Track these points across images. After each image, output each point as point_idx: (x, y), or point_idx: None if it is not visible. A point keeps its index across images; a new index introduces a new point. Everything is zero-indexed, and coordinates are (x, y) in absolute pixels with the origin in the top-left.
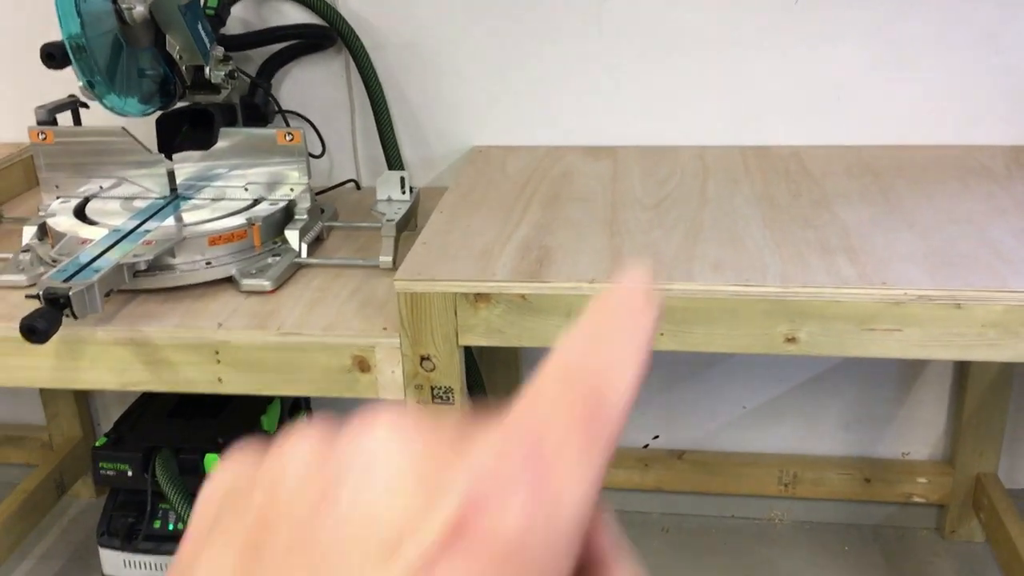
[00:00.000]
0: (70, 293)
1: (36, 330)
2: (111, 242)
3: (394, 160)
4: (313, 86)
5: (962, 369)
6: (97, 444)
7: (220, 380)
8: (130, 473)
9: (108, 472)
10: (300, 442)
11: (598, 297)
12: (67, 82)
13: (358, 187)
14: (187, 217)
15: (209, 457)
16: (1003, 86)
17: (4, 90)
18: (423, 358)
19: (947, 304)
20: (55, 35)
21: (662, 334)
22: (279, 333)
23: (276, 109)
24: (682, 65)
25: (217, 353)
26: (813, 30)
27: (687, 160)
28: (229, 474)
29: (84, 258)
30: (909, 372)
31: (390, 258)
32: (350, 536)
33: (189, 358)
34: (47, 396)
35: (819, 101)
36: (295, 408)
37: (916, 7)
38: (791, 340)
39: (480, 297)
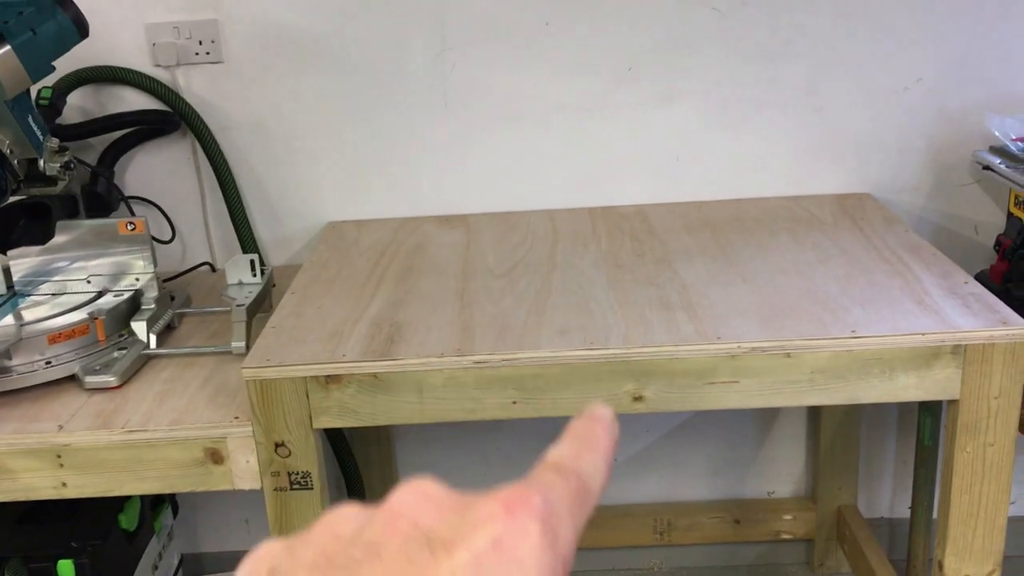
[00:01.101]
0: None
1: None
2: None
3: (247, 241)
4: (160, 170)
5: (814, 408)
6: None
7: (64, 484)
8: None
9: None
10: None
11: (576, 422)
12: None
13: (213, 269)
14: (25, 315)
15: (62, 564)
16: (824, 138)
17: None
18: (278, 444)
19: (778, 354)
20: None
21: (514, 403)
22: (124, 431)
23: (120, 197)
24: (527, 131)
25: (59, 457)
26: (650, 94)
27: (538, 224)
28: (266, 552)
29: None
30: (767, 414)
31: (243, 343)
32: None
33: (29, 464)
34: None
35: (660, 160)
36: (157, 501)
37: (741, 70)
38: (638, 399)
39: (331, 379)
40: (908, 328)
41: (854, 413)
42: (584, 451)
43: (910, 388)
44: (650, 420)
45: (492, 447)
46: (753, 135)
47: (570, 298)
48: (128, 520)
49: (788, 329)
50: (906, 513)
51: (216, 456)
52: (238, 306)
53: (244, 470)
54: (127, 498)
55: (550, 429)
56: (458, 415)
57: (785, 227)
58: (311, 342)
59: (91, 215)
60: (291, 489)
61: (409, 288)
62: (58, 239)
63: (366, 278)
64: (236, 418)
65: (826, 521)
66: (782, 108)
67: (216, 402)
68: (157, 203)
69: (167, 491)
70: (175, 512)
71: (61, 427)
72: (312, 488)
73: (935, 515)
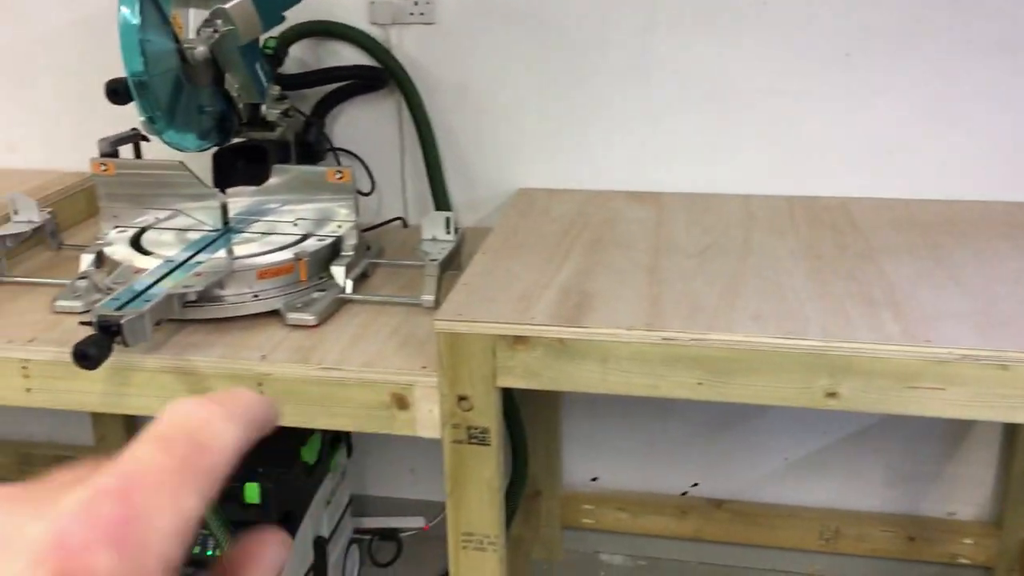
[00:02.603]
0: (122, 321)
1: (87, 356)
2: (163, 272)
3: (441, 200)
4: (365, 125)
5: (1012, 429)
6: None
7: None
8: None
9: None
10: None
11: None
12: (130, 116)
13: (405, 225)
14: (237, 250)
15: (249, 486)
16: None
17: (68, 122)
18: (460, 398)
19: (993, 365)
20: (119, 71)
21: (700, 384)
22: (320, 367)
23: (328, 147)
24: (731, 113)
25: (260, 384)
26: (865, 82)
27: (733, 208)
28: None
29: (137, 287)
30: (957, 429)
31: (432, 297)
32: None
33: (232, 388)
34: (96, 417)
35: (869, 153)
36: (335, 441)
37: (967, 62)
38: (832, 395)
39: (519, 340)
40: None
41: None
42: (210, 406)
43: None
44: (827, 422)
45: (658, 428)
46: (974, 133)
47: (765, 284)
48: (309, 454)
49: (1006, 339)
50: None
51: (401, 402)
52: (431, 260)
53: (426, 419)
54: (309, 433)
55: (719, 416)
56: (639, 390)
57: (1002, 233)
58: (501, 302)
59: (301, 162)
60: (468, 443)
61: (598, 259)
62: (271, 182)
63: (555, 246)
64: (423, 367)
65: (1010, 550)
66: (1010, 105)
67: (405, 350)
68: (360, 156)
69: (354, 429)
70: (349, 453)
71: (264, 357)
72: (489, 445)
73: None
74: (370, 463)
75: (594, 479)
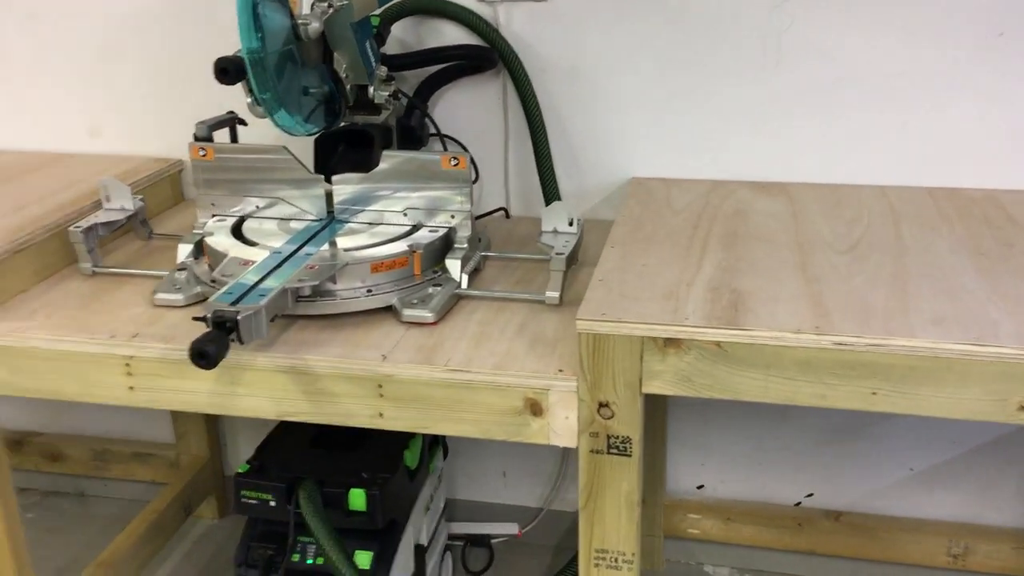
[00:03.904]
0: (238, 317)
1: (206, 355)
2: (273, 265)
3: (551, 189)
4: (468, 109)
5: None
6: (240, 471)
7: (381, 415)
8: (273, 503)
9: (250, 500)
10: None
11: None
12: (215, 100)
13: (507, 215)
14: (345, 242)
15: (354, 492)
16: None
17: (152, 107)
18: (601, 404)
19: None
20: (204, 54)
21: (874, 394)
22: (447, 369)
23: (431, 132)
24: (866, 98)
25: (380, 387)
26: (1017, 66)
27: (870, 200)
28: None
29: (248, 280)
30: None
31: (557, 294)
32: None
33: (351, 390)
34: (176, 415)
35: (1020, 142)
36: (433, 443)
37: None
38: None
39: (670, 342)
40: None
41: None
42: None
43: None
44: (957, 431)
45: (772, 433)
46: None
47: (935, 284)
48: (412, 458)
49: None
50: None
51: (536, 408)
52: (557, 255)
53: (562, 426)
54: (411, 436)
55: (838, 422)
56: (806, 399)
57: None
58: (645, 300)
59: (401, 148)
60: (607, 453)
61: (740, 255)
62: (379, 168)
63: (688, 240)
64: (560, 371)
65: None
66: None
67: (535, 351)
68: (461, 142)
69: (481, 436)
70: (445, 455)
71: (385, 357)
72: (630, 456)
73: None
74: (460, 465)
75: (700, 487)
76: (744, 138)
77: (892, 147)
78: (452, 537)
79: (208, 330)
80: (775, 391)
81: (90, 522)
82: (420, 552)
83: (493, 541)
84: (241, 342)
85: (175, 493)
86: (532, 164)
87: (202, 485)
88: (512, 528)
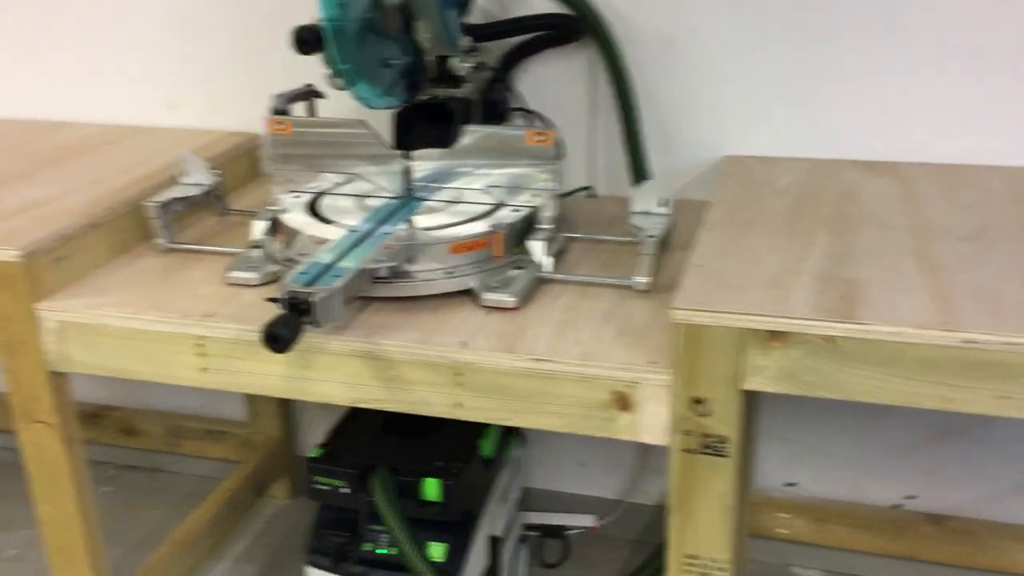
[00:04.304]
0: (314, 299)
1: (279, 339)
2: (349, 244)
3: (640, 168)
4: (552, 83)
5: None
6: (312, 455)
7: (460, 405)
8: (345, 490)
9: (322, 487)
10: None
11: None
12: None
13: (593, 195)
14: (424, 221)
15: (428, 482)
16: None
17: (230, 79)
18: (696, 400)
19: None
20: (268, 26)
21: (1007, 398)
22: (530, 358)
23: (513, 107)
24: (993, 70)
25: (459, 375)
26: None
27: (992, 182)
28: None
29: (324, 260)
30: None
31: (647, 279)
32: None
33: (428, 378)
34: (250, 394)
35: None
36: (509, 430)
37: None
38: None
39: (776, 335)
40: None
41: None
42: None
43: None
44: None
45: (872, 429)
46: None
47: None
48: (488, 446)
49: None
50: None
51: (624, 402)
52: (648, 237)
53: (652, 423)
54: (487, 424)
55: (945, 420)
56: (928, 401)
57: None
58: (748, 289)
59: (483, 123)
60: (701, 452)
61: (850, 241)
62: (461, 144)
63: (791, 224)
64: (652, 363)
65: None
66: None
67: (623, 341)
68: (545, 117)
69: (564, 430)
70: (521, 443)
71: (464, 344)
72: (727, 456)
73: None
74: (537, 454)
75: (791, 484)
76: (852, 113)
77: (1018, 123)
78: (527, 527)
79: (281, 312)
80: (892, 392)
81: (164, 497)
82: (495, 544)
83: (569, 533)
84: (316, 325)
85: (247, 472)
86: (618, 140)
87: (274, 465)
88: (589, 520)
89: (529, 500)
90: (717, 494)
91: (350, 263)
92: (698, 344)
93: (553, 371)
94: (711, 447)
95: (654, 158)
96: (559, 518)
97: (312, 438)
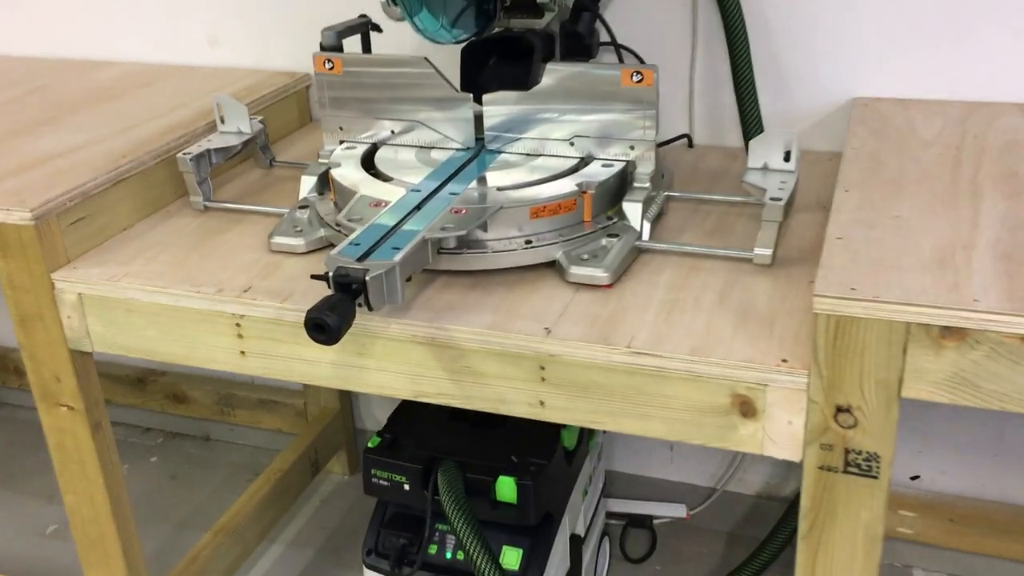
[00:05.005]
0: (367, 278)
1: (326, 327)
2: (411, 207)
3: (750, 112)
4: (647, 16)
5: None
6: (370, 445)
7: (542, 404)
8: (407, 486)
9: (381, 482)
10: None
11: None
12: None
13: (690, 144)
14: (499, 179)
15: (503, 481)
16: None
17: (279, 13)
18: (840, 408)
19: None
20: None
21: None
22: (629, 351)
23: (603, 41)
24: None
25: (543, 368)
26: None
27: None
28: None
29: (380, 227)
30: None
31: (770, 251)
32: None
33: (505, 371)
34: None
35: None
36: None
37: None
38: None
39: (950, 332)
40: None
41: None
42: None
43: None
44: None
45: (1017, 421)
46: None
47: None
48: (570, 437)
49: None
50: None
51: (747, 408)
52: (772, 200)
53: (782, 433)
54: None
55: None
56: None
57: None
58: (909, 270)
59: (567, 59)
60: (844, 471)
61: None
62: (543, 85)
63: (951, 183)
64: (784, 361)
65: None
66: None
67: (746, 331)
68: (638, 54)
69: (672, 438)
70: None
71: (549, 331)
72: (876, 476)
73: None
74: (620, 435)
75: (915, 477)
76: (1011, 43)
77: None
78: (609, 515)
79: (329, 293)
80: None
81: (215, 469)
82: (576, 543)
83: (656, 523)
84: (370, 309)
85: (303, 448)
86: (722, 80)
87: (332, 439)
88: (679, 510)
89: (612, 485)
90: (862, 521)
91: (412, 231)
92: (846, 340)
93: (660, 368)
94: (857, 465)
95: (764, 100)
96: (645, 507)
97: (373, 411)
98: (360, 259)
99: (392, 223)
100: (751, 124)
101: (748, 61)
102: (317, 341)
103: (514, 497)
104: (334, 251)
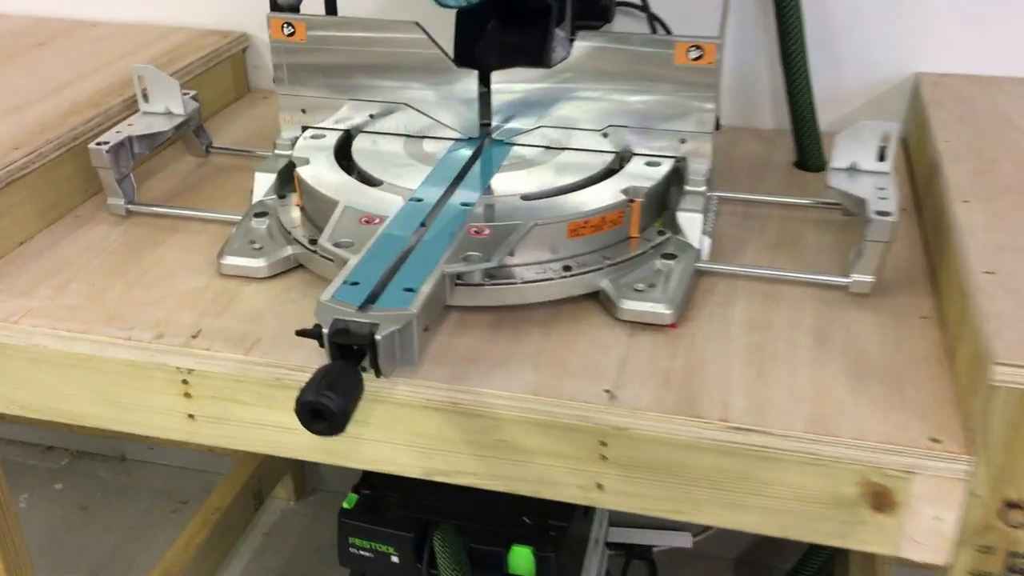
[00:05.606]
0: (378, 337)
1: (325, 414)
2: (415, 225)
3: (800, 91)
4: None
5: None
6: (345, 506)
7: (600, 487)
8: (395, 558)
9: (362, 552)
10: None
11: None
12: None
13: (717, 127)
14: (520, 182)
15: (517, 552)
16: None
17: None
18: (1010, 504)
19: None
20: None
21: None
22: (728, 426)
23: (619, 1)
24: None
25: (604, 445)
26: None
27: None
28: None
29: (381, 256)
30: None
31: (872, 279)
32: None
33: (554, 447)
34: None
35: None
36: None
37: None
38: None
39: None
40: None
41: None
42: None
43: None
44: None
45: None
46: None
47: None
48: None
49: None
50: None
51: (882, 500)
52: (879, 215)
53: (927, 532)
54: None
55: None
56: None
57: None
58: None
59: (580, 26)
60: None
61: None
62: (571, 59)
63: None
64: (935, 441)
65: None
66: None
67: (868, 393)
68: (664, 20)
69: (777, 534)
70: None
71: (611, 395)
72: None
73: None
74: None
75: None
76: None
77: None
78: (608, 546)
79: (326, 364)
80: None
81: (133, 497)
82: None
83: (656, 550)
84: (379, 374)
85: (245, 478)
86: (756, 51)
87: (277, 462)
88: (684, 539)
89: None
90: None
91: (425, 261)
92: None
93: (766, 447)
94: (1020, 571)
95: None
96: (646, 535)
97: None
98: (363, 307)
99: (398, 251)
100: (802, 104)
101: (801, 33)
102: (314, 432)
103: (532, 570)
104: (326, 295)
